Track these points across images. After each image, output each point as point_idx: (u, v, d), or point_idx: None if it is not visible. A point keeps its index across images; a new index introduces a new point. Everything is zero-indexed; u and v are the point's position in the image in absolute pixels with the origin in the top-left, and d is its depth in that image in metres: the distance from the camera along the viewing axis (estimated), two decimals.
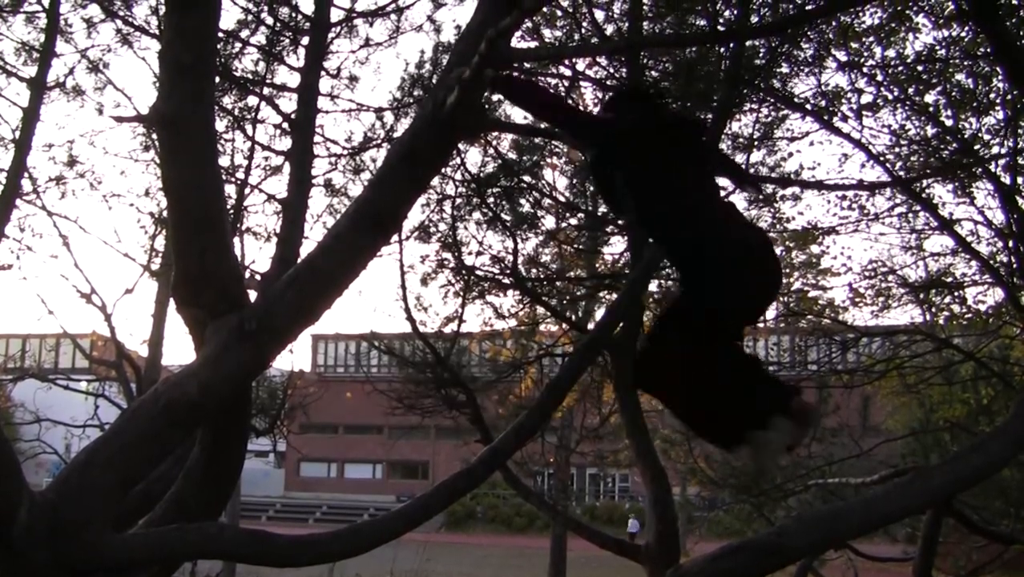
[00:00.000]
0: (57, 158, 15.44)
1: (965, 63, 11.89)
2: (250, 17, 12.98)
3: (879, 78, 12.21)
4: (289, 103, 12.97)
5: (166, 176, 5.33)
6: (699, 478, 19.69)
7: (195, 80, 5.18)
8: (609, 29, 11.99)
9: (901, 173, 12.75)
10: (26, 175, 14.57)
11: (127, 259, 16.98)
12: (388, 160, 5.73)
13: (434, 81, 13.54)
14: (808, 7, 9.99)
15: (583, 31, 12.09)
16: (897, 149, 12.88)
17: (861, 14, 11.36)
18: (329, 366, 74.76)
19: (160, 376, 17.55)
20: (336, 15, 12.92)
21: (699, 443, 18.57)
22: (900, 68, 12.22)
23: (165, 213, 15.65)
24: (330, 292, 5.54)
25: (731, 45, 10.84)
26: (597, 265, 15.73)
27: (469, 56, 5.31)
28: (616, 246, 15.42)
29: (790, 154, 13.29)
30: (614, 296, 14.37)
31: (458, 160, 12.76)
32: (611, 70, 12.42)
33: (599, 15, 12.16)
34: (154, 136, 14.37)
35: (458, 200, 13.76)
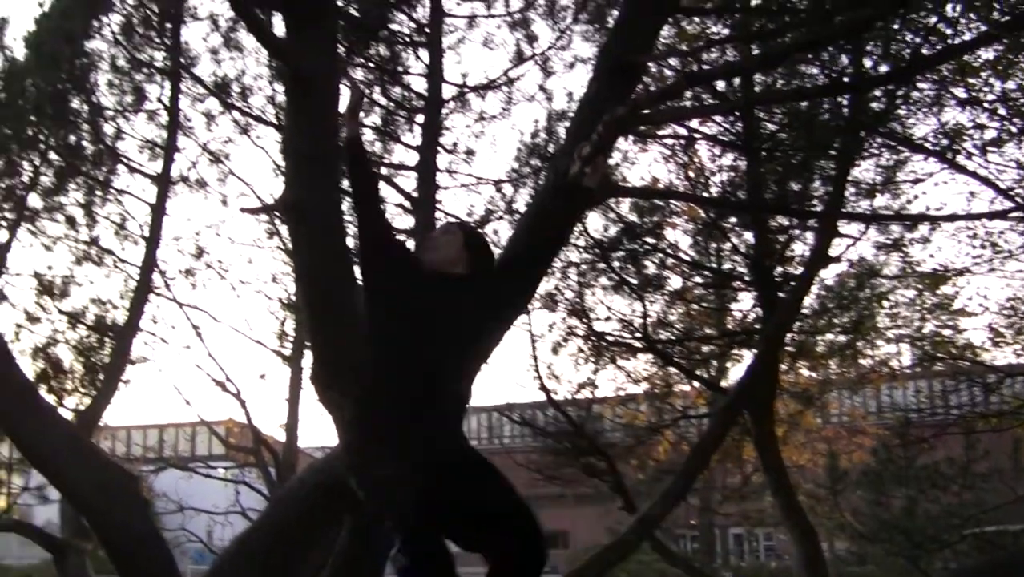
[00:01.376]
0: (185, 250, 15.82)
1: None
2: (364, 99, 13.17)
3: (1001, 112, 11.85)
4: (408, 181, 13.11)
5: (296, 263, 5.40)
6: (848, 532, 19.08)
7: (319, 167, 5.24)
8: (720, 84, 11.88)
9: None
10: (157, 269, 14.96)
11: (259, 345, 17.20)
12: (516, 231, 5.72)
13: (550, 149, 13.61)
14: (922, 50, 9.76)
15: (695, 90, 11.99)
16: None
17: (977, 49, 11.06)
18: None
19: (297, 460, 17.74)
20: (448, 91, 13.05)
21: (846, 497, 18.07)
22: (1022, 100, 11.85)
23: (295, 298, 16.05)
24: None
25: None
26: (727, 323, 15.48)
27: (586, 128, 5.30)
28: (744, 302, 15.17)
29: (915, 196, 12.92)
30: (746, 353, 14.11)
31: (581, 226, 12.71)
32: (726, 126, 12.29)
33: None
34: (279, 223, 14.68)
35: (583, 266, 13.69)
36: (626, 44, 6.62)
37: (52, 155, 14.43)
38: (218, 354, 26.31)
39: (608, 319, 14.07)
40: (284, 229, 14.91)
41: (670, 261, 14.19)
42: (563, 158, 5.60)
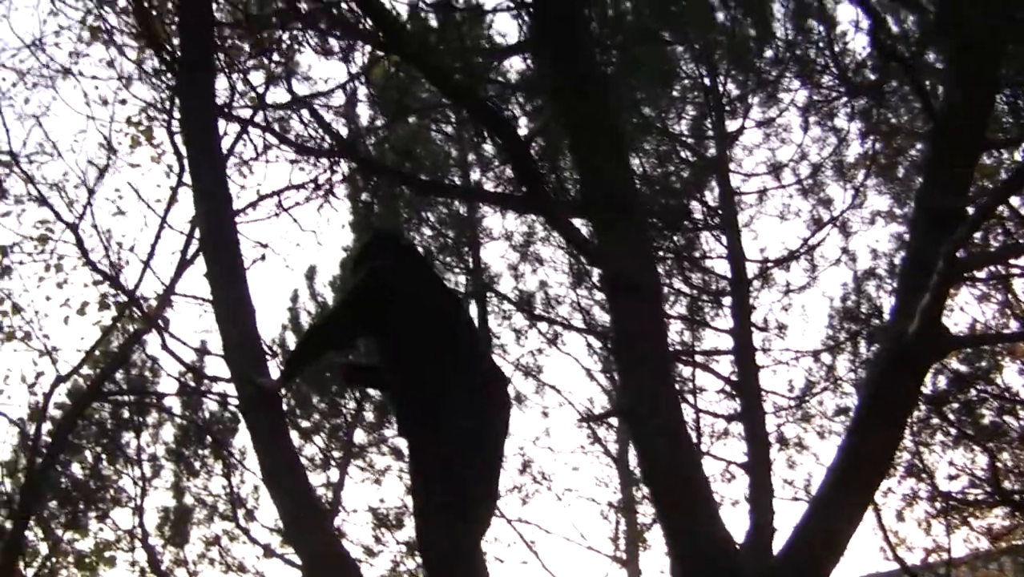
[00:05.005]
0: (509, 466, 16.02)
1: None
2: (668, 291, 13.21)
3: None
4: (724, 365, 12.97)
5: (643, 466, 5.31)
6: None
7: (647, 368, 5.19)
8: None
9: None
10: None
11: (591, 552, 17.01)
12: (861, 407, 5.48)
13: (862, 311, 13.20)
14: None
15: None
16: None
17: None
18: None
19: None
20: (751, 268, 12.95)
21: None
22: None
23: (621, 500, 15.94)
24: (833, 553, 5.24)
25: None
26: None
27: (912, 282, 5.10)
28: None
29: None
30: None
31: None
32: None
33: None
34: (603, 428, 14.73)
35: (915, 425, 13.04)
36: (939, 191, 6.37)
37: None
38: (552, 565, 26.28)
39: (953, 478, 13.30)
40: (609, 433, 15.01)
41: (1008, 406, 13.36)
42: (897, 320, 5.36)
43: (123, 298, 11.06)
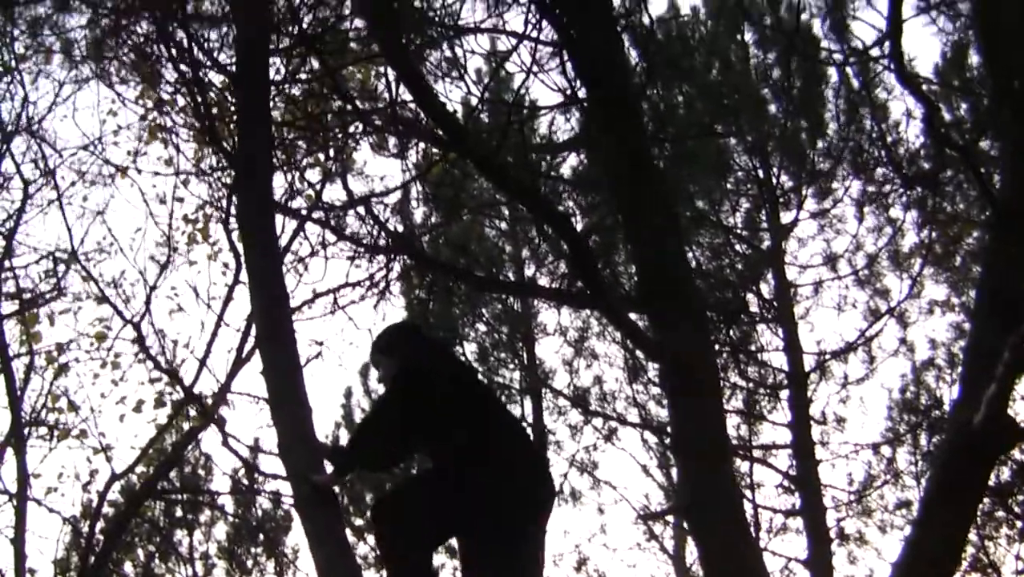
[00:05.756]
0: (564, 563, 15.80)
1: None
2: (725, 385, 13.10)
3: None
4: (782, 460, 12.80)
5: (703, 563, 5.22)
6: None
7: (707, 464, 5.13)
8: None
9: None
10: None
11: None
12: (926, 500, 5.36)
13: (922, 402, 13.02)
14: None
15: None
16: None
17: None
18: None
19: None
20: (808, 361, 12.83)
21: None
22: None
23: None
24: None
25: None
26: None
27: (977, 372, 5.02)
28: None
29: None
30: None
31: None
32: None
33: None
34: (656, 527, 14.54)
35: (980, 518, 12.74)
36: (1001, 278, 6.29)
37: None
38: None
39: (1020, 572, 12.96)
40: (666, 530, 14.79)
41: None
42: (962, 410, 5.26)
43: (180, 396, 11.10)
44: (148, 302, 11.11)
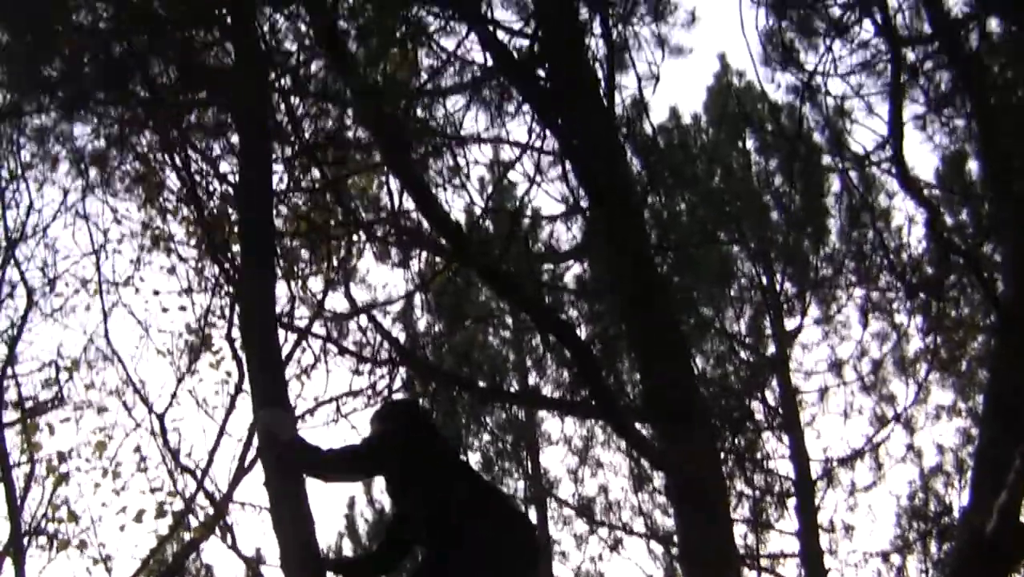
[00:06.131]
0: None
1: None
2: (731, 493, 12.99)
3: None
4: (791, 568, 12.66)
5: None
6: None
7: (718, 573, 5.05)
8: None
9: None
10: None
11: None
12: None
13: (931, 509, 12.90)
14: None
15: None
16: None
17: None
18: None
19: None
20: (814, 468, 12.74)
21: None
22: None
23: None
24: None
25: None
26: None
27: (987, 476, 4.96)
28: None
29: None
30: None
31: None
32: None
33: None
34: None
35: None
36: (1008, 382, 6.26)
37: None
38: None
39: None
40: None
41: None
42: (972, 518, 5.19)
43: (181, 506, 10.99)
44: (150, 411, 11.08)
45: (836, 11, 7.96)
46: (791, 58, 7.97)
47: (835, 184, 12.27)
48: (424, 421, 5.37)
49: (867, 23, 7.80)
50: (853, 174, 11.63)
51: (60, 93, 7.17)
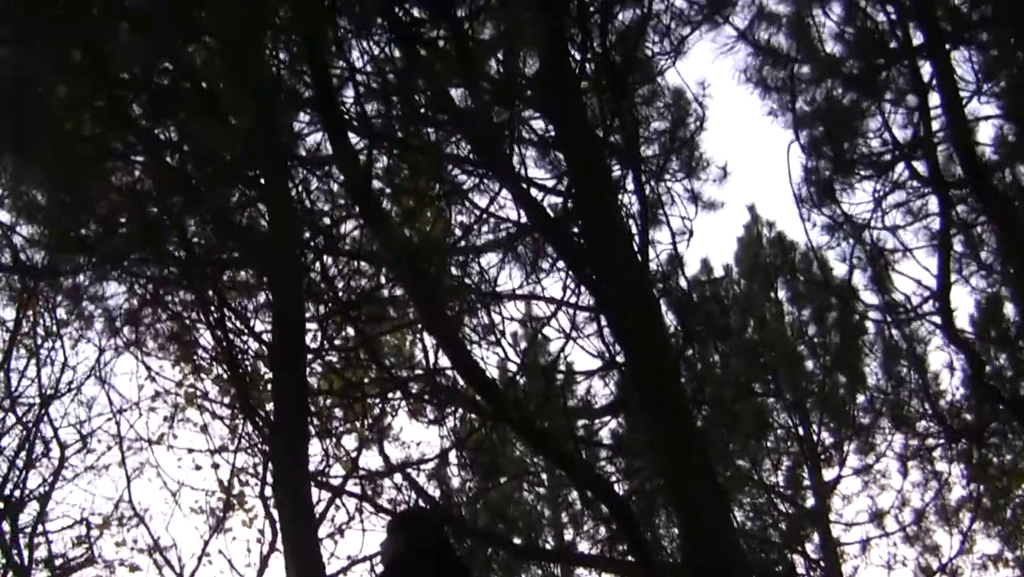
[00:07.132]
0: None
1: None
2: None
3: None
4: None
5: None
6: None
7: None
8: None
9: None
10: None
11: None
12: None
13: None
14: None
15: None
16: None
17: None
18: None
19: None
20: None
21: None
22: None
23: None
24: None
25: None
26: None
27: None
28: None
29: None
30: None
31: None
32: None
33: None
34: None
35: None
36: None
37: None
38: None
39: None
40: None
41: None
42: None
43: None
44: (180, 571, 10.93)
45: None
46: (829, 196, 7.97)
47: (870, 330, 12.21)
48: (434, 533, 5.28)
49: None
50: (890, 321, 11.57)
51: (95, 254, 7.23)
